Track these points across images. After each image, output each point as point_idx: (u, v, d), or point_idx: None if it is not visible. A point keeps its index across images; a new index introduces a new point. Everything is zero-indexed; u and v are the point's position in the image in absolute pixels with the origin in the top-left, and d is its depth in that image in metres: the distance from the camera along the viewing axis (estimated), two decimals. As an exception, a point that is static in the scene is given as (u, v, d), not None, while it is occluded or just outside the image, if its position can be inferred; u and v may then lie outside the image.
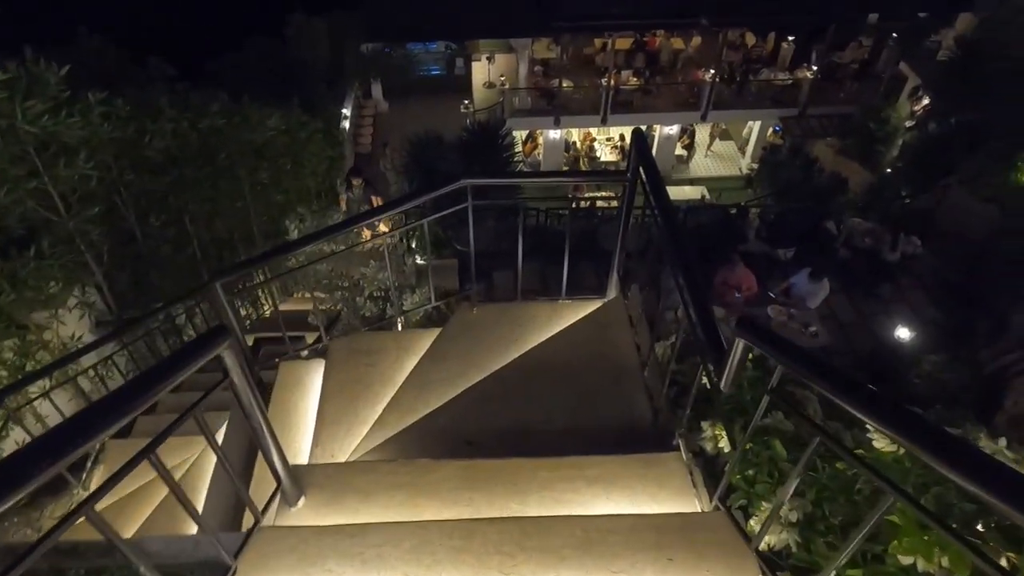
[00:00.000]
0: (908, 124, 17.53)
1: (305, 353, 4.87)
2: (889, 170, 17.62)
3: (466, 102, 18.57)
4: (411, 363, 4.49)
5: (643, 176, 3.57)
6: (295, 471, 3.11)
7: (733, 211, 12.71)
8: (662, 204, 3.28)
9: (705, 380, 3.12)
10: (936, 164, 15.61)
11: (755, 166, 20.27)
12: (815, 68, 18.82)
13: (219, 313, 4.18)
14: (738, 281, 10.14)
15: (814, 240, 11.25)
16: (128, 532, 3.91)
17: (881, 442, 2.52)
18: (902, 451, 2.48)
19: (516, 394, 3.90)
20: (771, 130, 20.29)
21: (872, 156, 17.88)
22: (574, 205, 14.85)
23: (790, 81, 18.99)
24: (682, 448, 3.23)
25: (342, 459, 4.07)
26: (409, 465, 3.22)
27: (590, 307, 4.46)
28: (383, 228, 7.17)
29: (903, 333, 9.45)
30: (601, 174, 5.55)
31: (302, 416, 4.60)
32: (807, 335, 9.69)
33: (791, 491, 2.31)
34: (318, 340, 4.74)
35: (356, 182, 10.25)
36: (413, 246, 11.94)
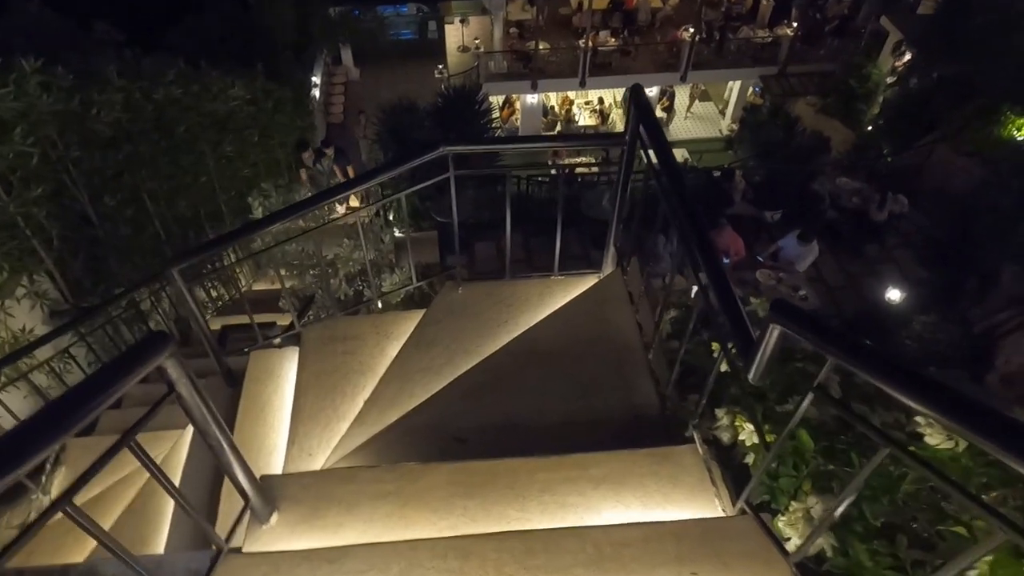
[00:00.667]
0: (889, 80, 17.21)
1: (278, 341, 4.47)
2: (870, 128, 17.36)
3: (440, 67, 17.90)
4: (393, 350, 4.11)
5: (643, 136, 3.17)
6: (266, 484, 2.74)
7: (718, 174, 12.37)
8: (669, 166, 2.90)
9: (725, 366, 2.78)
10: (918, 120, 15.36)
11: (735, 127, 19.89)
12: (795, 25, 18.34)
13: (179, 301, 3.77)
14: (726, 245, 9.84)
15: (801, 201, 10.96)
16: (80, 554, 3.52)
17: (936, 438, 2.20)
18: (960, 447, 2.16)
19: (508, 383, 3.54)
20: (751, 90, 19.87)
21: (853, 114, 17.57)
22: (566, 172, 14.45)
23: (770, 39, 18.52)
24: (697, 440, 2.90)
25: (321, 458, 3.70)
26: (394, 471, 2.86)
27: (585, 283, 4.09)
28: (354, 202, 6.70)
29: (893, 294, 9.24)
30: (596, 137, 5.08)
31: (276, 411, 4.22)
32: (796, 299, 9.44)
33: (844, 502, 1.98)
34: (291, 327, 4.34)
35: (328, 152, 9.54)
36: (391, 218, 11.48)
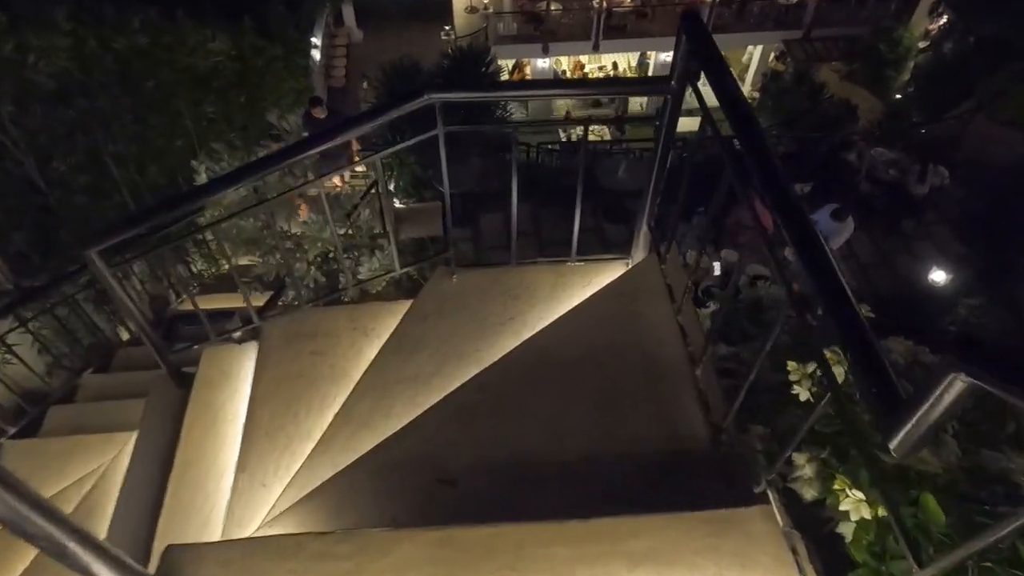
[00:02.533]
0: (921, 45, 16.00)
1: (238, 335, 3.64)
2: (899, 96, 16.19)
3: (447, 28, 16.78)
4: (372, 350, 3.27)
5: (704, 76, 2.28)
6: (171, 562, 1.93)
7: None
8: (742, 116, 2.01)
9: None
10: (952, 87, 14.23)
11: (756, 95, 18.71)
12: (821, -16, 17.08)
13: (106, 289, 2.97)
14: (752, 220, 8.91)
15: (833, 173, 9.97)
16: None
17: None
18: None
19: (512, 404, 2.70)
20: (772, 56, 18.64)
21: (881, 80, 16.38)
22: (583, 132, 13.39)
23: (794, 1, 17.25)
24: (772, 501, 2.06)
25: (277, 489, 2.90)
26: (352, 540, 2.04)
27: (611, 273, 3.22)
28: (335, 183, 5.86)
29: (937, 276, 8.31)
30: (629, 83, 3.94)
31: (231, 422, 3.41)
32: (829, 279, 8.54)
33: None
34: (249, 320, 3.51)
35: (317, 112, 8.67)
36: (391, 188, 10.57)
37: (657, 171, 2.88)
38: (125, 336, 5.99)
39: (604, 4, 16.49)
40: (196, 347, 3.58)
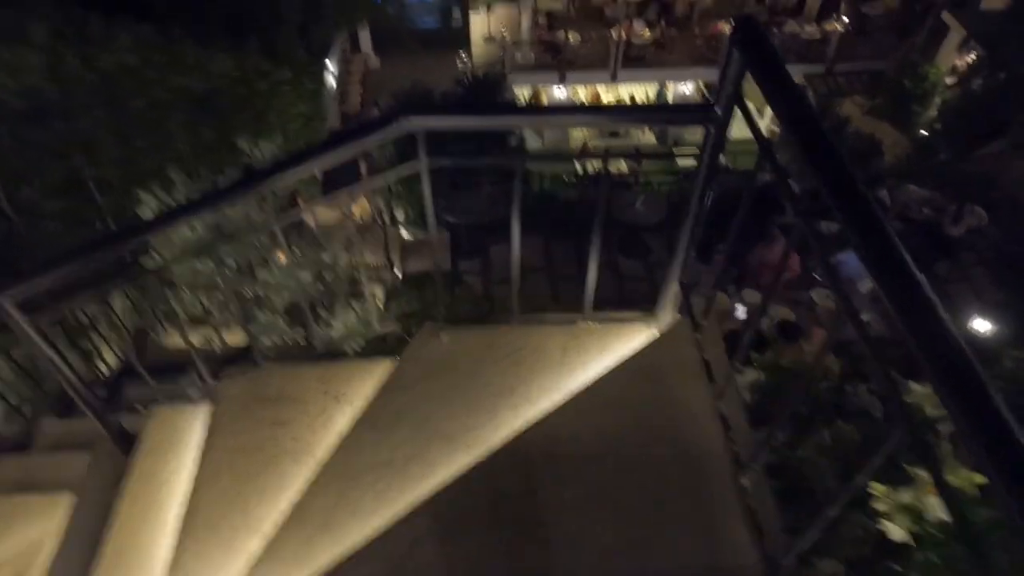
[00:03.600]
0: (949, 81, 15.42)
1: (196, 393, 3.08)
2: (924, 132, 15.59)
3: (463, 57, 16.45)
4: (343, 421, 2.70)
5: (758, 87, 1.73)
6: None
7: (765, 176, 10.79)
8: (815, 140, 1.46)
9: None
10: (982, 124, 13.61)
11: (775, 129, 18.18)
12: (845, 20, 16.60)
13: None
14: (777, 260, 8.31)
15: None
16: None
17: None
18: None
19: (511, 516, 2.11)
20: (793, 89, 18.12)
21: (906, 116, 15.80)
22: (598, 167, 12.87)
23: (818, 35, 16.79)
24: None
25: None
26: None
27: (632, 336, 2.64)
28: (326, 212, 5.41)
29: (980, 326, 7.62)
30: (664, 110, 3.09)
31: (171, 505, 2.83)
32: (860, 325, 7.88)
33: None
34: (208, 376, 2.96)
35: None
36: (399, 218, 10.08)
37: (694, 218, 2.30)
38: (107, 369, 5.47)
39: (623, 35, 16.11)
40: (143, 408, 3.03)
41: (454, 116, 2.06)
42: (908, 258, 1.31)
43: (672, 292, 2.56)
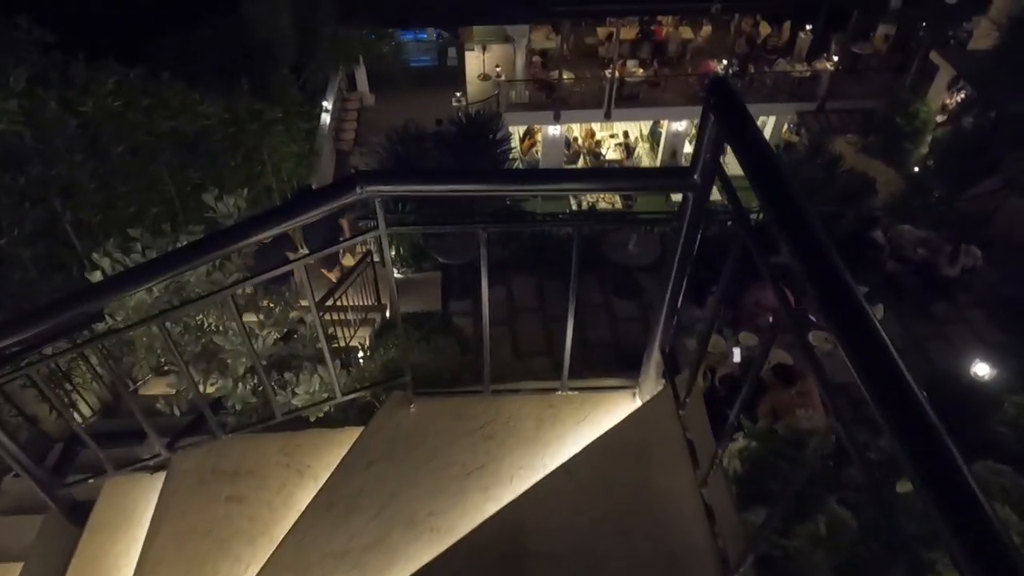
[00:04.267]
0: (939, 119, 15.46)
1: (150, 464, 2.88)
2: (917, 169, 15.58)
3: (458, 95, 16.51)
4: (305, 497, 2.50)
5: (732, 158, 1.57)
6: None
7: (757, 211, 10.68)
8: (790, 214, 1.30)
9: None
10: (975, 162, 13.59)
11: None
12: (835, 59, 16.72)
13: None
14: (771, 301, 8.15)
15: (857, 250, 9.22)
16: None
17: None
18: None
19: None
20: (785, 127, 18.21)
21: (898, 154, 15.81)
22: (591, 202, 12.85)
23: (808, 73, 16.89)
24: None
25: None
26: None
27: (614, 406, 2.46)
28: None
29: (981, 369, 7.42)
30: (640, 175, 2.73)
31: (120, 584, 2.62)
32: (857, 368, 7.69)
33: None
34: (170, 442, 2.76)
35: None
36: (394, 254, 9.95)
37: (673, 285, 2.14)
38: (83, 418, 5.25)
39: (616, 74, 16.20)
40: (93, 480, 2.82)
41: (414, 183, 1.90)
42: (858, 295, 1.15)
43: (654, 360, 2.38)
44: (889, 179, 15.21)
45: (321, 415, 2.70)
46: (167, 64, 7.58)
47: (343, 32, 11.86)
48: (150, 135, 6.34)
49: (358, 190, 1.80)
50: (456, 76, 17.57)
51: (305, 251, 6.67)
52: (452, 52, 18.40)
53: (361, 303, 8.07)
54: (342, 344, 6.89)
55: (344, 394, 2.50)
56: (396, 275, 9.62)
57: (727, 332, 8.09)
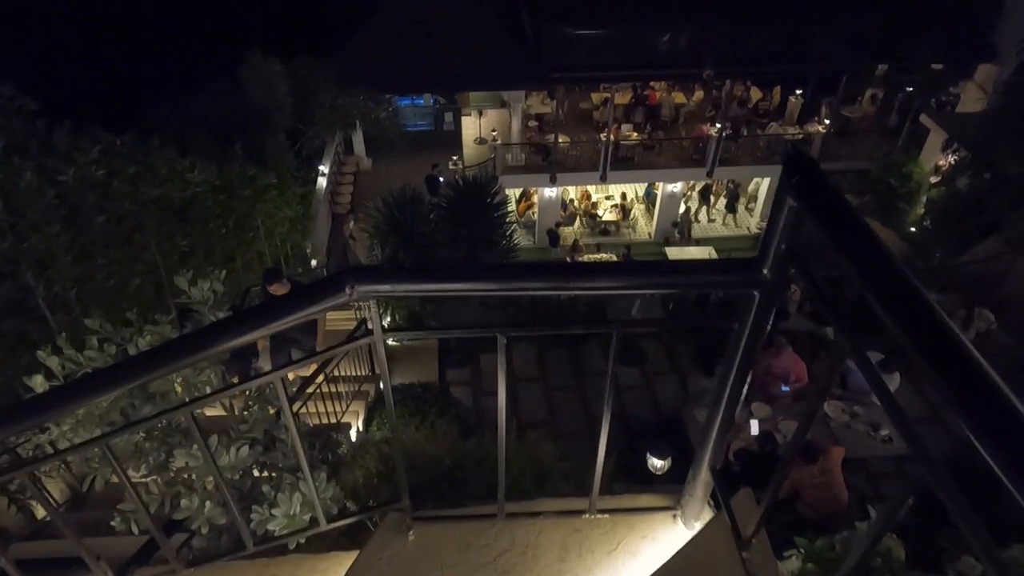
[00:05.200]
0: (933, 180, 15.45)
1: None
2: (913, 229, 15.48)
3: (455, 158, 16.48)
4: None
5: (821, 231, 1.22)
6: None
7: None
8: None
9: None
10: (974, 222, 13.47)
11: (764, 225, 18.09)
12: (827, 122, 16.85)
13: None
14: (784, 369, 7.75)
15: (868, 314, 8.89)
16: None
17: None
18: None
19: None
20: (780, 187, 18.16)
21: (894, 214, 15.75)
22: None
23: (800, 136, 16.98)
24: None
25: None
26: None
27: (650, 533, 2.03)
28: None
29: (1009, 442, 6.98)
30: (699, 269, 1.98)
31: None
32: (877, 439, 7.26)
33: None
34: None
35: (276, 288, 5.58)
36: (385, 325, 9.56)
37: (729, 397, 1.75)
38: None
39: (611, 137, 16.24)
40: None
41: (416, 281, 1.54)
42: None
43: (702, 480, 1.97)
44: (886, 239, 15.06)
45: (302, 541, 2.27)
46: (161, 130, 7.36)
47: (341, 98, 11.78)
48: (136, 203, 6.03)
49: (347, 291, 1.43)
50: (453, 140, 17.60)
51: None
52: (449, 116, 18.50)
53: (354, 373, 7.64)
54: (334, 420, 6.44)
55: (330, 519, 2.07)
56: (391, 343, 9.22)
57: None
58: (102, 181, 5.33)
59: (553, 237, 17.07)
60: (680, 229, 17.79)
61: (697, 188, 18.35)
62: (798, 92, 17.90)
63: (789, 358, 7.66)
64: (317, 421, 5.90)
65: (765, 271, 1.49)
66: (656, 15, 15.90)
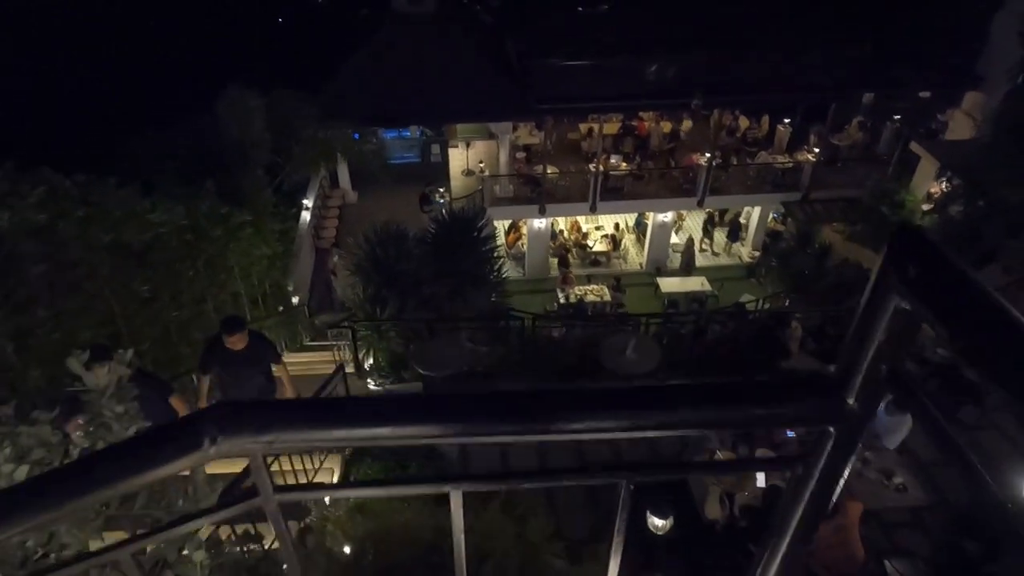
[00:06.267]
0: (926, 207, 15.14)
1: None
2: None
3: (441, 190, 16.03)
4: None
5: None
6: None
7: (748, 306, 9.93)
8: None
9: None
10: (970, 250, 13.11)
11: (756, 254, 17.73)
12: (816, 150, 16.57)
13: None
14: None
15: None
16: None
17: None
18: None
19: None
20: (771, 216, 17.87)
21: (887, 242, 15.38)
22: (579, 295, 12.09)
23: (790, 164, 16.68)
24: None
25: None
26: None
27: None
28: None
29: (1033, 490, 6.44)
30: (757, 400, 1.36)
31: None
32: (891, 488, 6.70)
33: None
34: None
35: (235, 340, 4.95)
36: (366, 367, 8.97)
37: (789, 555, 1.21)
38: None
39: (601, 168, 15.87)
40: None
41: (308, 426, 0.99)
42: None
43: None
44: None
45: None
46: (126, 168, 6.86)
47: (322, 132, 11.33)
48: (88, 249, 5.48)
49: (207, 445, 0.89)
50: (440, 172, 17.18)
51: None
52: (436, 149, 18.12)
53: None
54: (307, 479, 5.82)
55: None
56: (372, 386, 8.62)
57: (741, 448, 7.09)
58: (43, 226, 4.79)
59: (562, 258, 16.92)
60: (685, 260, 17.38)
61: (702, 219, 18.16)
62: (786, 121, 17.68)
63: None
64: (285, 480, 5.28)
65: (851, 400, 0.97)
66: (643, 45, 15.67)
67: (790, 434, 7.04)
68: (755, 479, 6.48)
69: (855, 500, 5.92)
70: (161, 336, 6.80)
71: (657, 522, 5.62)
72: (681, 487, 6.59)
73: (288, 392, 5.43)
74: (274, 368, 5.40)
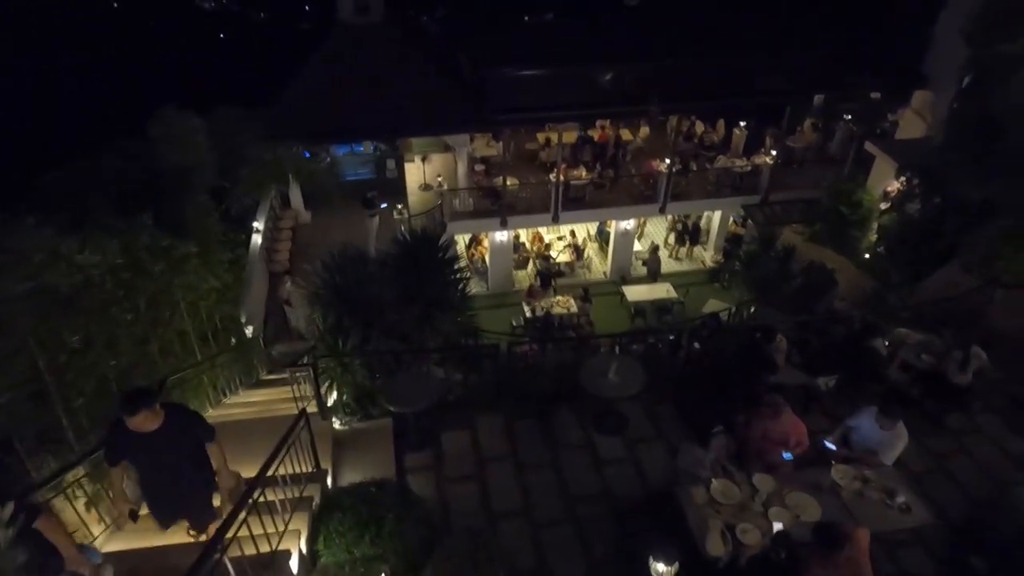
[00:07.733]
0: (883, 206, 15.23)
1: None
2: (867, 255, 15.17)
3: (400, 207, 15.36)
4: None
5: None
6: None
7: (725, 312, 9.60)
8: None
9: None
10: (928, 247, 13.17)
11: (719, 259, 17.63)
12: (773, 153, 16.56)
13: None
14: (784, 433, 6.79)
15: (859, 362, 8.15)
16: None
17: None
18: None
19: None
20: (731, 220, 17.79)
21: (847, 241, 15.43)
22: (549, 308, 11.60)
23: (748, 168, 16.62)
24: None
25: None
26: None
27: None
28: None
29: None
30: None
31: None
32: (894, 509, 6.34)
33: None
34: None
35: (142, 419, 3.94)
36: (329, 404, 8.25)
37: None
38: None
39: (561, 178, 15.48)
40: None
41: None
42: None
43: None
44: (841, 267, 14.67)
45: None
46: (47, 203, 6.05)
47: (269, 152, 10.56)
48: (3, 301, 4.71)
49: None
50: (396, 188, 16.50)
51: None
52: (391, 164, 17.42)
53: (295, 470, 6.28)
54: (267, 547, 5.11)
55: None
56: (338, 426, 7.92)
57: (740, 477, 6.62)
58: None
59: (545, 278, 16.32)
60: (651, 268, 17.11)
61: (672, 227, 17.98)
62: (742, 124, 17.65)
63: (788, 420, 6.74)
64: (246, 550, 4.57)
65: None
66: (598, 53, 15.37)
67: (787, 456, 6.66)
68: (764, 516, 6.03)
69: (862, 527, 5.54)
70: (97, 388, 5.98)
71: (661, 568, 5.14)
72: (679, 523, 6.11)
73: (227, 481, 4.53)
74: (208, 447, 4.38)
